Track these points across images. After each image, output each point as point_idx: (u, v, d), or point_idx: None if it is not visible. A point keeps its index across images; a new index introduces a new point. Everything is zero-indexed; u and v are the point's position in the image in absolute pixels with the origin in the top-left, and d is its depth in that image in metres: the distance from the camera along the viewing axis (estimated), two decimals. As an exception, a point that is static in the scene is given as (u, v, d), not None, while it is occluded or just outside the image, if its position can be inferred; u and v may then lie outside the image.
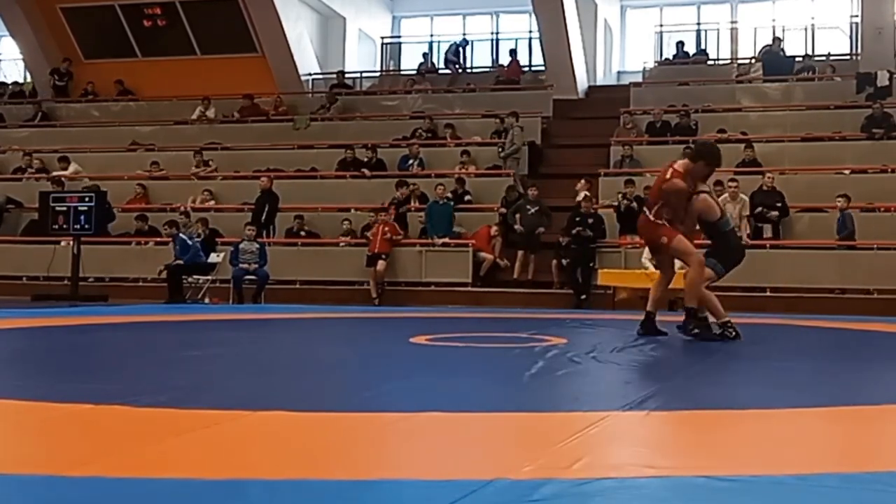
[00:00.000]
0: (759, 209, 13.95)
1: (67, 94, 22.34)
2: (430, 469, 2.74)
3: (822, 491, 2.51)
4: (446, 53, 22.26)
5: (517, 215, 14.87)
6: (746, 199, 13.91)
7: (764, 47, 19.63)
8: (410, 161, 17.20)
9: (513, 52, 21.57)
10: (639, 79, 20.56)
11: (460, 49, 22.36)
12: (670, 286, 7.68)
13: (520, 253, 14.75)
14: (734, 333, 6.89)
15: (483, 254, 14.83)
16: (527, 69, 21.55)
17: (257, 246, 13.96)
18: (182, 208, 16.05)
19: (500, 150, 17.00)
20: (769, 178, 14.26)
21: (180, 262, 13.67)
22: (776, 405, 3.97)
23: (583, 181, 15.42)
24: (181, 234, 13.90)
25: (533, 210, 14.83)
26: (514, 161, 16.86)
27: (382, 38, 24.07)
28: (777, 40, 19.48)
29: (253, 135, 19.37)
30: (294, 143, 18.92)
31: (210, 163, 18.17)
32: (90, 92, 22.22)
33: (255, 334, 8.11)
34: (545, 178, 17.07)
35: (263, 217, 15.48)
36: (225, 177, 17.87)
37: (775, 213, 13.97)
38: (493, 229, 14.97)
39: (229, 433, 3.18)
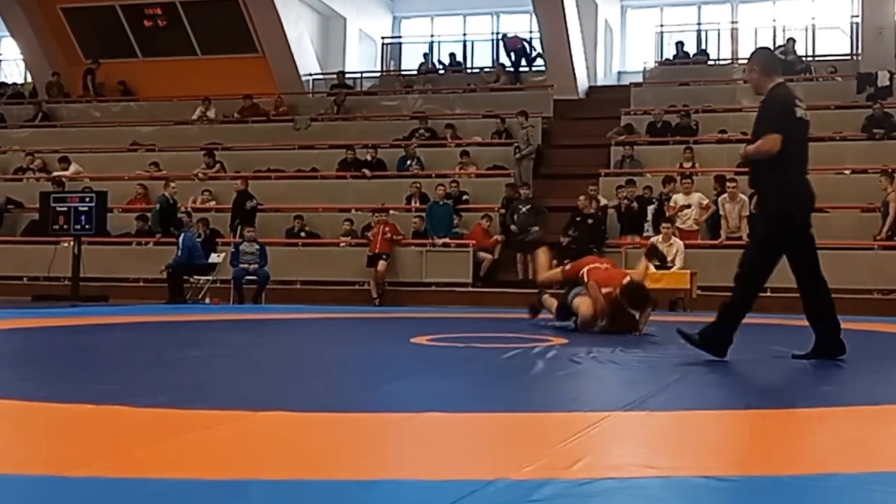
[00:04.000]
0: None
1: (97, 94, 22.31)
2: (430, 469, 2.74)
3: (822, 491, 2.51)
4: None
5: (513, 216, 14.90)
6: (746, 199, 13.90)
7: (778, 48, 19.59)
8: (409, 161, 17.21)
9: (504, 37, 21.55)
10: (639, 79, 20.56)
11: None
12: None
13: (517, 253, 14.78)
14: None
15: (483, 254, 14.84)
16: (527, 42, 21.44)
17: (258, 247, 13.97)
18: (182, 208, 16.06)
19: (516, 150, 16.90)
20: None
21: (171, 263, 13.67)
22: (776, 405, 3.97)
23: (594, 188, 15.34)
24: (186, 233, 13.87)
25: (525, 209, 14.84)
26: (528, 161, 16.82)
27: (383, 38, 24.08)
28: (791, 41, 19.44)
29: (253, 135, 19.38)
30: (294, 144, 18.93)
31: (219, 164, 18.10)
32: (95, 92, 22.23)
33: (256, 335, 8.11)
34: (546, 179, 17.08)
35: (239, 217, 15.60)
36: (224, 177, 17.86)
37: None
38: (485, 223, 15.01)
39: (230, 433, 3.18)
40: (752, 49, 5.94)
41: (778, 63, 5.81)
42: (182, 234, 13.88)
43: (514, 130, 17.44)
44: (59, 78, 22.38)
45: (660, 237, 13.36)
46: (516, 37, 21.25)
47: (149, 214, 16.37)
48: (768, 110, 5.53)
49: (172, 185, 15.84)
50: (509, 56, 21.03)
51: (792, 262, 5.65)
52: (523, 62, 20.89)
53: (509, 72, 20.78)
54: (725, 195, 13.97)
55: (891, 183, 13.67)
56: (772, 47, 20.05)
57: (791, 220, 5.53)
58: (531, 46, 21.07)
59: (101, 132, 20.28)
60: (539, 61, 20.78)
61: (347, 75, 21.81)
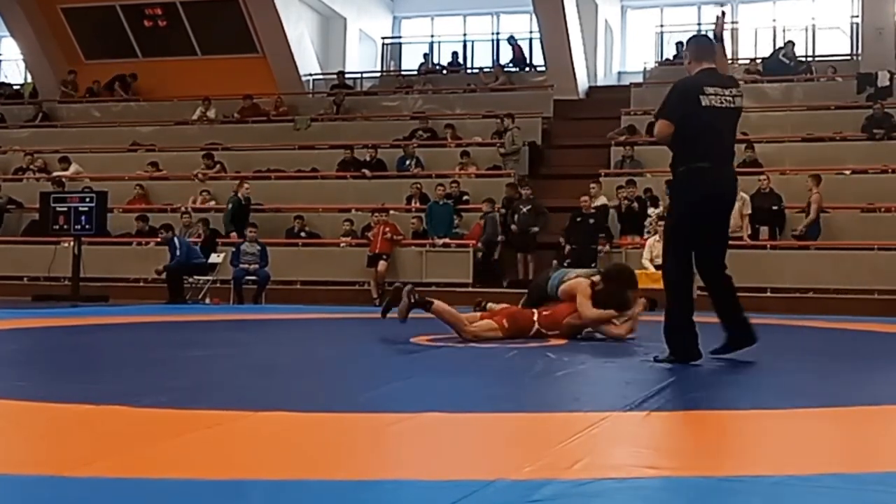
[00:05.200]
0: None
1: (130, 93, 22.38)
2: (430, 469, 2.74)
3: (822, 491, 2.51)
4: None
5: (514, 216, 14.91)
6: (747, 197, 13.94)
7: (778, 50, 19.59)
8: (408, 161, 17.22)
9: (511, 39, 21.69)
10: (639, 79, 20.56)
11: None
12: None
13: (518, 253, 14.78)
14: None
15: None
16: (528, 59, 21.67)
17: (259, 247, 13.96)
18: (182, 208, 16.07)
19: (499, 148, 17.06)
20: (762, 179, 14.25)
21: (168, 264, 13.66)
22: (776, 405, 3.97)
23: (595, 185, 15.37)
24: (175, 238, 13.85)
25: (525, 209, 14.84)
26: (513, 162, 16.88)
27: (383, 38, 24.09)
28: (790, 43, 19.47)
29: (253, 135, 19.39)
30: (294, 144, 18.94)
31: (219, 164, 18.08)
32: (95, 92, 22.23)
33: (256, 335, 8.11)
34: (546, 179, 17.09)
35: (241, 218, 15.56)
36: (225, 177, 17.86)
37: (765, 228, 14.10)
38: (483, 223, 15.05)
39: (230, 433, 3.18)
40: (692, 35, 5.87)
41: (710, 50, 5.76)
42: (174, 236, 13.86)
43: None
44: (75, 76, 22.35)
45: (657, 236, 13.36)
46: (520, 47, 21.43)
47: (149, 215, 16.39)
48: (668, 95, 5.52)
49: (246, 185, 15.78)
50: (513, 58, 21.21)
51: (698, 255, 5.54)
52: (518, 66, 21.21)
53: (509, 72, 20.86)
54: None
55: (816, 185, 13.79)
56: (772, 48, 20.08)
57: (696, 208, 5.44)
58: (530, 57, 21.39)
59: (101, 132, 20.29)
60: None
61: (347, 75, 21.81)
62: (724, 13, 5.89)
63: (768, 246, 13.87)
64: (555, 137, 18.45)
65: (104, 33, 22.24)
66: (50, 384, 4.54)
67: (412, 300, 6.78)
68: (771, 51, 19.93)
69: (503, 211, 15.34)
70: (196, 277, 13.99)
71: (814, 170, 15.40)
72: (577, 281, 7.11)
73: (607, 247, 14.16)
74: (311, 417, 3.54)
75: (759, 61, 19.70)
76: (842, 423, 3.67)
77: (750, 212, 13.89)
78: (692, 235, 5.46)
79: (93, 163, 18.91)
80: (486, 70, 21.75)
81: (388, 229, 14.69)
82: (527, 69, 21.37)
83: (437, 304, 6.85)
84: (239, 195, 15.53)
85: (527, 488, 2.41)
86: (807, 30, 21.24)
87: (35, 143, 19.85)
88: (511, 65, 21.26)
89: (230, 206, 15.48)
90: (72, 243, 14.02)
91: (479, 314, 7.11)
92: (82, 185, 16.92)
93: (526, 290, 8.83)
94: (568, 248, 14.14)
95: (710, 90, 5.38)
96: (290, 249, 15.38)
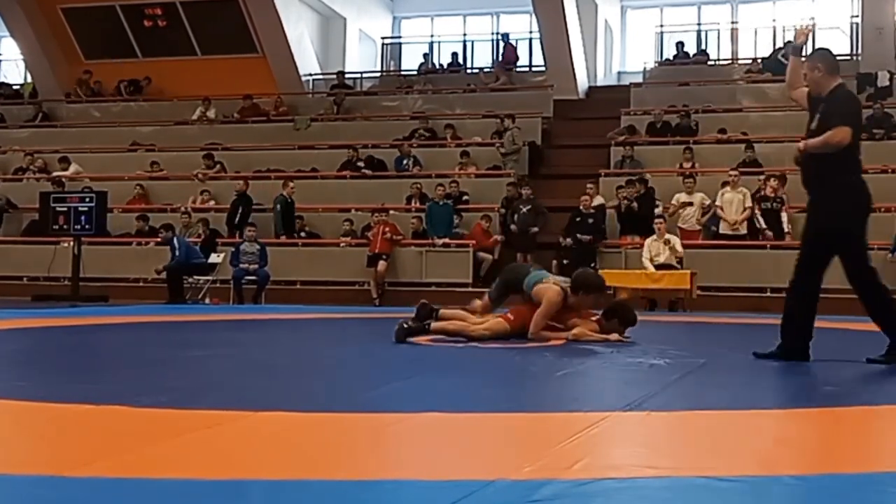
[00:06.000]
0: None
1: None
2: (430, 469, 2.74)
3: (822, 491, 2.51)
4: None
5: (514, 215, 14.91)
6: (747, 190, 14.02)
7: (777, 50, 19.58)
8: (405, 161, 17.22)
9: (505, 36, 21.76)
10: (639, 79, 20.57)
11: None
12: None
13: (518, 253, 14.77)
14: None
15: (483, 254, 14.84)
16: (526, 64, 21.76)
17: (258, 247, 13.96)
18: (182, 208, 16.07)
19: (499, 148, 17.09)
20: (771, 185, 14.16)
21: (168, 264, 13.66)
22: (776, 405, 3.97)
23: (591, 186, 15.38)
24: (175, 238, 13.84)
25: (525, 209, 14.84)
26: (513, 162, 16.90)
27: (383, 38, 24.09)
28: (789, 44, 19.46)
29: (253, 135, 19.38)
30: (294, 144, 18.94)
31: (219, 164, 18.06)
32: (96, 92, 22.22)
33: (256, 335, 8.11)
34: (545, 179, 17.08)
35: (237, 219, 15.53)
36: (225, 177, 17.86)
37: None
38: (484, 223, 15.03)
39: (230, 433, 3.18)
40: (816, 48, 5.83)
41: (838, 65, 5.72)
42: (174, 236, 13.84)
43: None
44: (90, 77, 22.34)
45: (654, 236, 13.35)
46: (512, 45, 21.54)
47: (149, 215, 16.38)
48: (843, 104, 5.44)
49: (291, 185, 15.72)
50: (503, 58, 21.34)
51: (851, 263, 5.62)
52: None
53: (509, 71, 20.92)
54: (727, 187, 14.04)
55: (782, 186, 13.86)
56: (772, 48, 20.08)
57: (863, 220, 5.54)
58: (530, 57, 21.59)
59: (101, 132, 20.28)
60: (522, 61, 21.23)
61: (347, 75, 21.82)
62: (807, 25, 5.87)
63: (768, 246, 13.86)
64: (555, 137, 18.45)
65: (104, 33, 22.23)
66: (50, 384, 4.54)
67: (406, 326, 6.65)
68: (771, 51, 19.92)
69: (503, 211, 15.34)
70: (196, 277, 13.99)
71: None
72: (548, 287, 6.92)
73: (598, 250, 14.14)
74: (311, 417, 3.54)
75: (759, 61, 19.70)
76: (842, 423, 3.67)
77: (751, 205, 13.92)
78: (840, 246, 5.72)
79: (93, 163, 18.90)
80: (486, 70, 21.77)
81: (387, 229, 14.69)
82: (518, 69, 21.42)
83: (435, 324, 6.83)
84: (285, 195, 15.49)
85: (527, 488, 2.42)
86: (807, 30, 21.22)
87: (35, 143, 19.85)
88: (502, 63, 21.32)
89: (278, 207, 15.42)
90: (71, 243, 14.01)
91: (490, 316, 7.08)
92: (82, 185, 16.91)
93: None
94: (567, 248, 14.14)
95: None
96: (290, 249, 15.38)
